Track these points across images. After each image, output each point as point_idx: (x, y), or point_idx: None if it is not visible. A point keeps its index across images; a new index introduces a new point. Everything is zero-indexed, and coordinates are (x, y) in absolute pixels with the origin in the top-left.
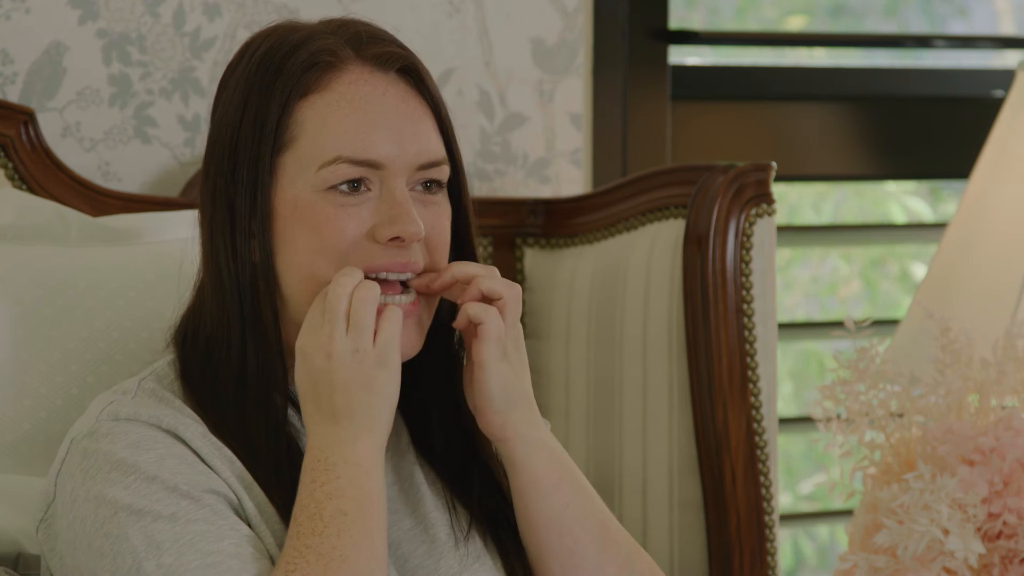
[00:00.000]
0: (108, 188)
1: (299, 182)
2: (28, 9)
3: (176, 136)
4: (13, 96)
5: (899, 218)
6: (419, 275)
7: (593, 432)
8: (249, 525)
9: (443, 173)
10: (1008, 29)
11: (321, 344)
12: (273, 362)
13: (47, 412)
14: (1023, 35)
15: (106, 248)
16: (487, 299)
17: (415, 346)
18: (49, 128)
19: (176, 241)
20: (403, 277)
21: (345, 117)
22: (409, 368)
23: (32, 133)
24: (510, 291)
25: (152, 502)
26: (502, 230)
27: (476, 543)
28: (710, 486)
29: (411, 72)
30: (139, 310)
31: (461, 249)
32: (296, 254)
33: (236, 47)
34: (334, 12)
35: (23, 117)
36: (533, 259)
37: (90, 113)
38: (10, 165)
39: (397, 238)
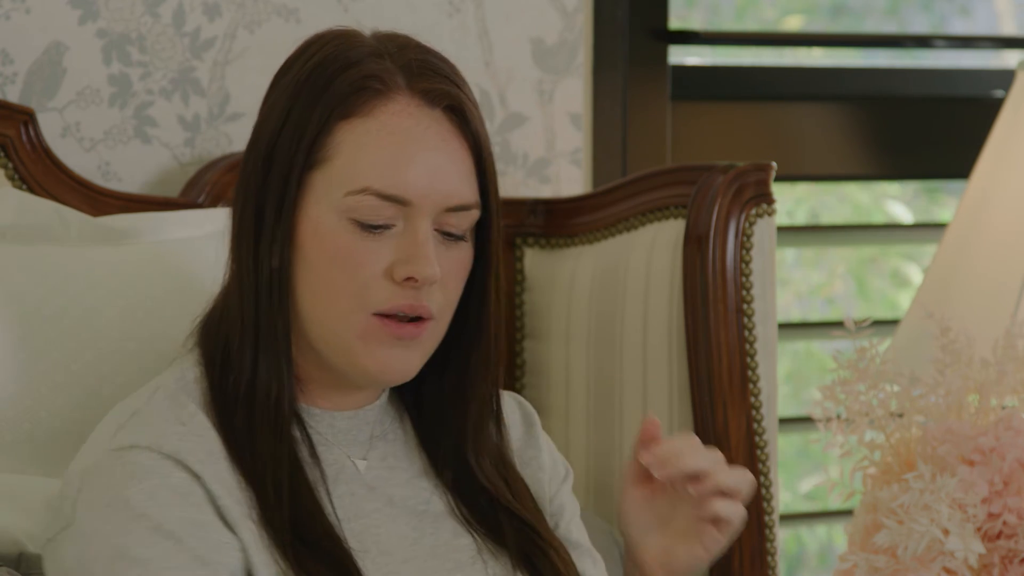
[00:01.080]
0: (108, 188)
1: (324, 203)
2: (28, 9)
3: (176, 136)
4: (13, 96)
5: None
6: (645, 448)
7: (593, 432)
8: (247, 552)
9: (471, 217)
10: (1008, 29)
11: None
12: (281, 375)
13: (47, 412)
14: (1023, 35)
15: (106, 247)
16: (724, 492)
17: (413, 370)
18: (49, 128)
19: (176, 241)
20: (412, 315)
21: (381, 148)
22: (421, 395)
23: (32, 133)
24: (748, 485)
25: (132, 542)
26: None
27: (505, 565)
28: None
29: (457, 111)
30: (139, 310)
31: (479, 296)
32: (314, 278)
33: (236, 47)
34: (334, 12)
35: (23, 117)
36: (533, 259)
37: (90, 113)
38: (10, 165)
39: (411, 278)
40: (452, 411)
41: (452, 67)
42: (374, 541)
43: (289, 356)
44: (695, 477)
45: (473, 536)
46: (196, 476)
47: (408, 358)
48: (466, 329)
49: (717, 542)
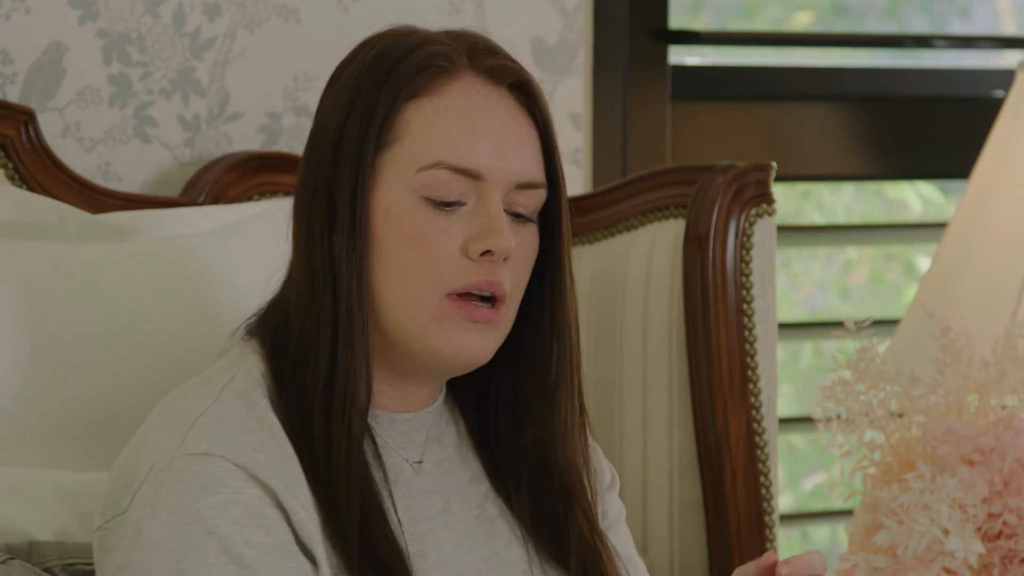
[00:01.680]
0: (108, 188)
1: (396, 183)
2: (28, 9)
3: (176, 136)
4: (13, 96)
5: (916, 208)
6: (785, 562)
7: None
8: (319, 568)
9: (539, 196)
10: (1008, 29)
11: None
12: (360, 370)
13: (50, 406)
14: (1023, 35)
15: (105, 244)
16: None
17: (488, 353)
18: (49, 128)
19: (175, 238)
20: (485, 294)
21: (451, 123)
22: (488, 394)
23: (32, 133)
24: None
25: (198, 560)
26: None
27: None
28: (710, 486)
29: (523, 89)
30: (139, 304)
31: (552, 281)
32: (389, 262)
33: (236, 47)
34: (334, 12)
35: (23, 117)
36: None
37: (90, 113)
38: (10, 165)
39: (488, 252)
40: (539, 406)
41: (510, 54)
42: (434, 546)
43: (368, 351)
44: None
45: (526, 548)
46: (270, 491)
47: (483, 341)
48: (541, 319)
49: None
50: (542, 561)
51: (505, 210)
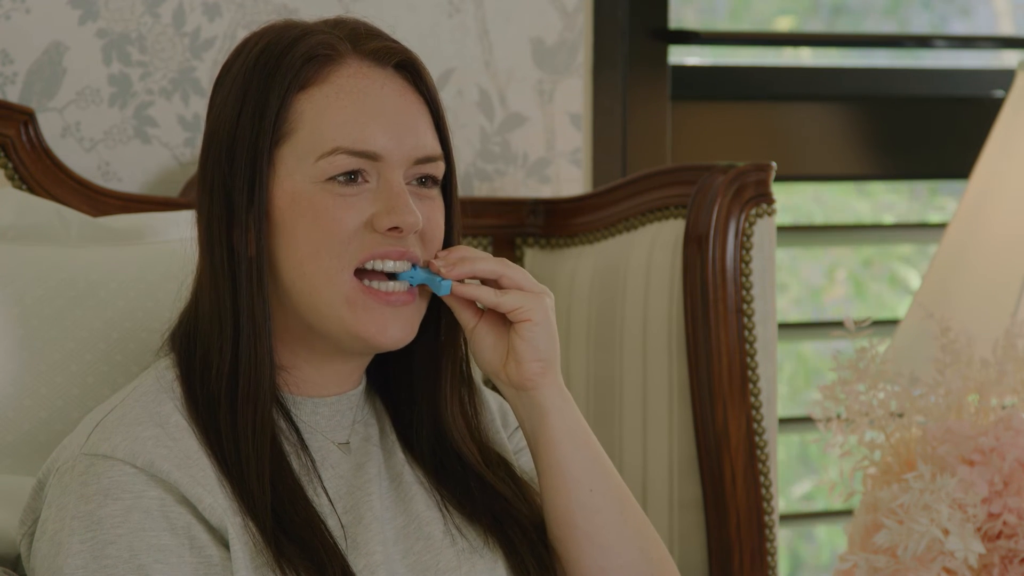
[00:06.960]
0: (108, 188)
1: (297, 174)
2: (28, 9)
3: (176, 136)
4: (13, 96)
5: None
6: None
7: (593, 432)
8: (228, 546)
9: (438, 169)
10: (1008, 29)
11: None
12: (263, 358)
13: (47, 412)
14: (1023, 35)
15: (106, 248)
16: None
17: (408, 336)
18: (49, 128)
19: (177, 241)
20: (399, 268)
21: (343, 109)
22: (396, 366)
23: (32, 133)
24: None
25: (97, 569)
26: (502, 230)
27: (474, 539)
28: (710, 486)
29: (408, 68)
30: (139, 311)
31: (446, 246)
32: (296, 247)
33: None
34: (333, 12)
35: (23, 117)
36: (533, 259)
37: (90, 113)
38: (10, 165)
39: (396, 228)
40: (426, 375)
41: (390, 35)
42: (368, 508)
43: (270, 339)
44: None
45: (439, 510)
46: (172, 487)
47: (401, 321)
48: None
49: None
50: (456, 519)
51: (408, 182)
